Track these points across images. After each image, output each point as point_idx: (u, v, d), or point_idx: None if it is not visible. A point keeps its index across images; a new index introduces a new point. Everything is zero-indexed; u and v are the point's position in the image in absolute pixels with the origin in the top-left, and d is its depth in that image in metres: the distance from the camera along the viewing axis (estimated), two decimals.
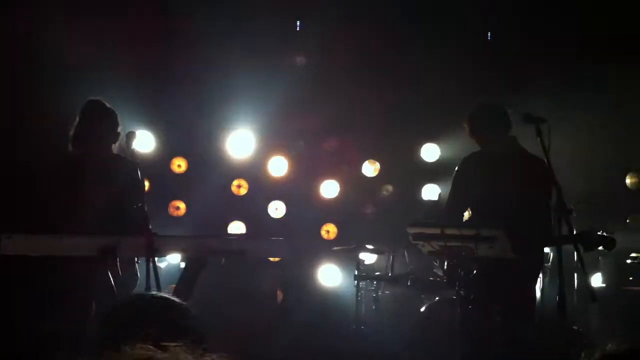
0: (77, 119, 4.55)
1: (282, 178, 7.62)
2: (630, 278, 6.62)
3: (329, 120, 7.68)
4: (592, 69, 7.41)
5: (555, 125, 4.12)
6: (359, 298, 6.14)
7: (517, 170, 4.52)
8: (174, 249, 4.84)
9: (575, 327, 5.24)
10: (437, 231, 4.16)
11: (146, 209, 4.23)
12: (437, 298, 5.97)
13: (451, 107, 7.65)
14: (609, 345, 1.55)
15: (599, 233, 4.00)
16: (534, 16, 7.34)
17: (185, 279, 4.82)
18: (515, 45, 7.48)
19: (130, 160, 4.36)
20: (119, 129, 4.54)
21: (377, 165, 7.80)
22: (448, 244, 4.14)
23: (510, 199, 4.43)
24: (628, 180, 7.73)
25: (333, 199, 7.71)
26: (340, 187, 7.70)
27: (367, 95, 7.72)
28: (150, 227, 4.24)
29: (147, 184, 6.95)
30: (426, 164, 7.85)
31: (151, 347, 1.39)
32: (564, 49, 7.31)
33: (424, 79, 7.72)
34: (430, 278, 6.16)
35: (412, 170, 7.81)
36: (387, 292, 6.26)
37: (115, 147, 4.62)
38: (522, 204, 4.40)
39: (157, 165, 7.20)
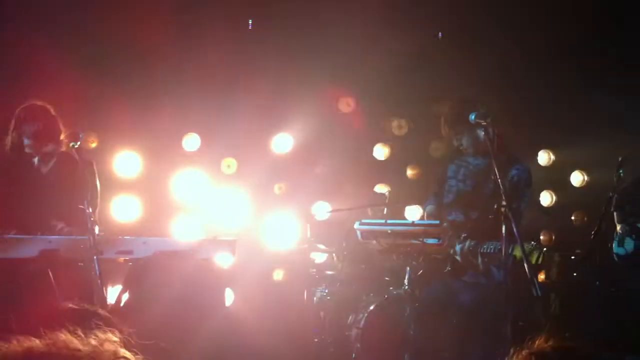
0: (17, 118, 4.44)
1: (232, 177, 7.54)
2: (575, 274, 6.73)
3: (280, 118, 7.66)
4: (538, 68, 7.55)
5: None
6: (310, 299, 6.12)
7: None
8: (120, 251, 4.78)
9: (520, 323, 5.31)
10: (385, 229, 4.17)
11: (90, 209, 4.15)
12: (386, 296, 6.01)
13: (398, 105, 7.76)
14: (537, 341, 1.57)
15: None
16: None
17: (132, 280, 4.75)
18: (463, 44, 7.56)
19: (77, 158, 4.26)
20: (68, 129, 4.43)
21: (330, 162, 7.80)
22: (396, 241, 4.16)
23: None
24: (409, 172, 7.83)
25: (285, 197, 7.67)
26: (291, 186, 7.67)
27: (322, 95, 7.73)
28: (95, 227, 4.16)
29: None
30: (379, 162, 7.90)
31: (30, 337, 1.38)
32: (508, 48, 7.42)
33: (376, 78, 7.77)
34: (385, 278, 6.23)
35: (366, 168, 7.84)
36: (339, 292, 6.24)
37: (63, 146, 4.52)
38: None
39: (101, 163, 7.03)
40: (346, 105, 7.84)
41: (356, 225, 4.28)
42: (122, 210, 7.14)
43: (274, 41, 7.42)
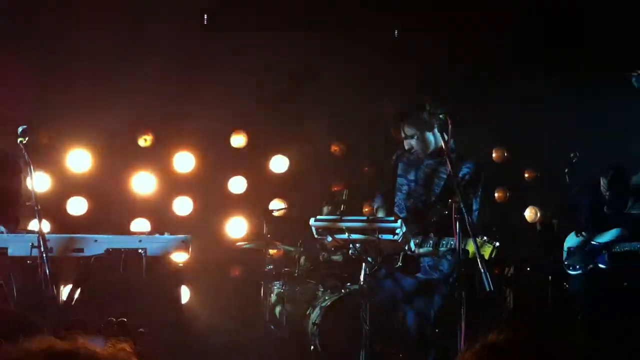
0: None
1: (188, 174, 7.45)
2: (528, 269, 6.85)
3: (238, 116, 7.61)
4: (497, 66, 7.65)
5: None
6: (267, 295, 6.10)
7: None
8: (69, 249, 4.67)
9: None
10: (340, 225, 4.16)
11: (39, 207, 4.05)
12: (343, 291, 6.02)
13: (363, 105, 7.78)
14: (490, 335, 1.59)
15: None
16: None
17: (83, 279, 4.65)
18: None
19: (14, 157, 4.15)
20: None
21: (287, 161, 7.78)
22: (351, 237, 4.16)
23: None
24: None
25: (241, 194, 7.62)
26: (248, 182, 7.63)
27: (278, 91, 7.71)
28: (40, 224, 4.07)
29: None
30: (337, 158, 7.91)
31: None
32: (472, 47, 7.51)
33: (331, 74, 7.78)
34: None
35: (323, 166, 7.84)
36: (296, 288, 6.24)
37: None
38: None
39: (54, 161, 6.90)
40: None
41: (311, 222, 4.26)
42: (74, 207, 7.01)
43: (230, 36, 7.37)
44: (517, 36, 7.33)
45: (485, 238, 3.94)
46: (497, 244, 3.96)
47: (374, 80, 7.74)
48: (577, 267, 5.71)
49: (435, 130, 4.38)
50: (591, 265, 5.65)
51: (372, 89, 7.77)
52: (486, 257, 3.86)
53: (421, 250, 4.30)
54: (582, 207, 5.90)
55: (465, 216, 3.85)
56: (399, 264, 4.27)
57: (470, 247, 3.86)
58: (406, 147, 4.60)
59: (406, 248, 4.23)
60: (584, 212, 5.84)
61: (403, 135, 4.57)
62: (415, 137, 4.53)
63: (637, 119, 4.21)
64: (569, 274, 5.81)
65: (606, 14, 6.84)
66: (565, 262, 5.84)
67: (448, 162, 4.08)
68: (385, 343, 5.45)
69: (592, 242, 5.69)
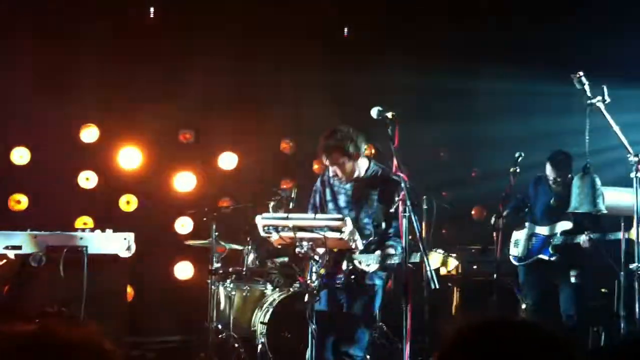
0: None
1: (134, 171, 7.32)
2: (475, 267, 6.93)
3: (185, 112, 7.52)
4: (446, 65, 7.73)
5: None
6: (214, 294, 6.02)
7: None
8: (9, 246, 4.53)
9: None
10: (287, 222, 4.13)
11: None
12: (290, 290, 5.99)
13: (309, 101, 7.77)
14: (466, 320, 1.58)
15: None
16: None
17: (20, 278, 4.51)
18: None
19: None
20: None
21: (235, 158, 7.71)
22: (297, 235, 4.13)
23: None
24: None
25: (189, 192, 7.52)
26: (196, 179, 7.53)
27: (228, 88, 7.64)
28: None
29: None
30: (287, 156, 7.88)
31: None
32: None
33: (283, 72, 7.76)
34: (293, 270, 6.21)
35: (272, 163, 7.79)
36: (244, 287, 6.18)
37: None
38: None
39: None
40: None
41: (258, 220, 4.21)
42: (15, 203, 6.83)
43: (180, 35, 7.29)
44: (463, 38, 7.43)
45: (444, 252, 4.06)
46: (447, 254, 4.10)
47: (326, 80, 7.76)
48: (523, 258, 5.91)
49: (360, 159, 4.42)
50: (536, 257, 5.84)
51: (323, 89, 7.80)
52: (448, 269, 3.97)
53: (368, 268, 4.33)
54: (531, 201, 6.04)
55: (416, 227, 3.89)
56: (349, 267, 4.28)
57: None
58: (332, 174, 4.60)
59: (351, 245, 4.22)
60: (532, 206, 6.00)
61: (331, 162, 4.53)
62: (344, 165, 4.51)
63: (580, 119, 4.28)
64: (516, 266, 6.02)
65: (551, 17, 6.97)
66: (512, 254, 6.01)
67: (395, 165, 4.10)
68: (332, 342, 5.45)
69: (538, 234, 5.87)
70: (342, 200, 4.62)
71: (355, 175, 4.57)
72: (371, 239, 4.48)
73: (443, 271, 4.85)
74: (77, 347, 1.41)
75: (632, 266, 4.27)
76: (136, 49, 7.13)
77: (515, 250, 6.07)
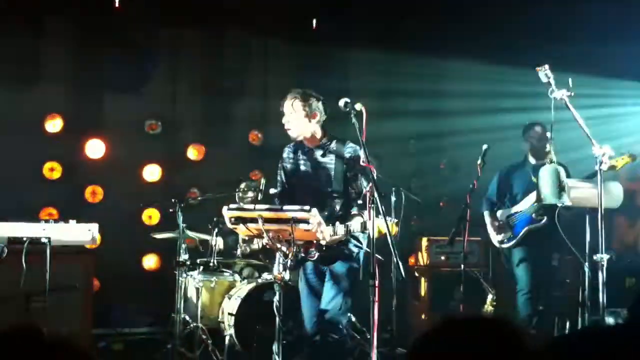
0: None
1: (99, 161, 7.21)
2: (442, 258, 6.98)
3: (152, 102, 7.44)
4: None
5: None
6: (182, 286, 5.96)
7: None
8: None
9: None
10: (254, 213, 4.10)
11: None
12: (258, 281, 5.98)
13: (277, 92, 7.72)
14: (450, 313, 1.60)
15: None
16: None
17: None
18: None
19: None
20: None
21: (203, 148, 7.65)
22: (265, 226, 4.10)
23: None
24: None
25: (156, 183, 7.44)
26: (163, 170, 7.46)
27: (195, 78, 7.58)
28: None
29: None
30: (255, 147, 7.84)
31: None
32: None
33: (251, 63, 7.72)
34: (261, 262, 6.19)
35: (240, 154, 7.75)
36: (212, 278, 6.14)
37: None
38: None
39: None
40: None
41: (225, 211, 4.18)
42: None
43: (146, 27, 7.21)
44: (429, 26, 7.45)
45: (389, 218, 4.06)
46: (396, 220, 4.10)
47: (293, 72, 7.74)
48: (512, 237, 5.88)
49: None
50: (523, 230, 5.80)
51: (292, 80, 7.76)
52: (393, 232, 3.98)
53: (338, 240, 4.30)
54: (504, 194, 6.05)
55: (377, 200, 3.90)
56: (316, 254, 4.24)
57: (379, 228, 3.96)
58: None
59: (320, 237, 4.20)
60: (509, 196, 5.99)
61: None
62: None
63: (545, 111, 4.34)
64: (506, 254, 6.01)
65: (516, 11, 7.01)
66: (498, 240, 5.99)
67: (363, 152, 4.10)
68: (300, 333, 5.45)
69: (515, 213, 5.89)
70: (301, 172, 4.62)
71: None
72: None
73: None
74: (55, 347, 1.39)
75: (596, 257, 4.33)
76: (102, 39, 7.03)
77: (499, 236, 5.99)
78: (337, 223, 4.23)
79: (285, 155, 4.72)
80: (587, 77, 6.15)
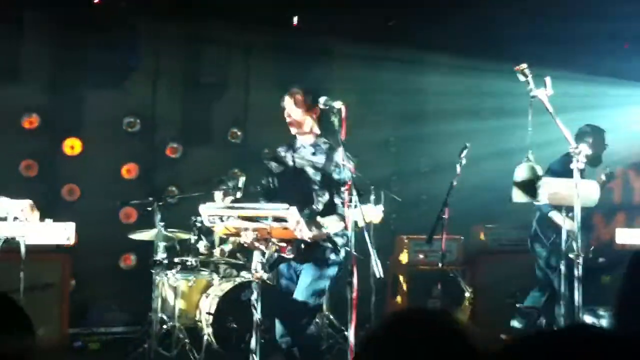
0: None
1: (76, 159, 7.14)
2: (421, 256, 7.00)
3: (130, 99, 7.38)
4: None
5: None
6: (159, 285, 5.93)
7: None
8: None
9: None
10: (232, 212, 4.08)
11: None
12: (237, 280, 5.95)
13: (258, 90, 7.70)
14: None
15: None
16: None
17: None
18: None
19: None
20: None
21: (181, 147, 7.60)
22: (242, 225, 4.08)
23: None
24: None
25: (134, 181, 7.38)
26: (141, 168, 7.40)
27: (174, 75, 7.52)
28: None
29: None
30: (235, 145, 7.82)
31: None
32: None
33: (231, 60, 7.69)
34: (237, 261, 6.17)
35: (220, 152, 7.71)
36: (189, 277, 6.10)
37: None
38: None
39: None
40: None
41: (202, 209, 4.14)
42: None
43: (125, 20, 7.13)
44: (412, 24, 7.46)
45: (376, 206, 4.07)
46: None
47: (275, 70, 7.73)
48: None
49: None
50: None
51: (273, 78, 7.76)
52: (378, 220, 4.00)
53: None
54: None
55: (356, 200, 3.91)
56: (292, 254, 4.23)
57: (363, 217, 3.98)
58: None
59: (300, 237, 4.19)
60: None
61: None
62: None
63: (523, 110, 4.36)
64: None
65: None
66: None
67: (341, 152, 4.09)
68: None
69: None
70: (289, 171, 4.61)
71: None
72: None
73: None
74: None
75: (572, 255, 4.37)
76: (80, 34, 6.95)
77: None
78: (318, 217, 4.25)
79: (276, 154, 4.71)
80: (566, 76, 6.19)
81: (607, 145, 5.74)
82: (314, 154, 4.55)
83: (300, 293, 4.42)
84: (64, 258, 5.85)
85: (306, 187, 4.51)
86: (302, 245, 4.24)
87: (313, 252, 4.37)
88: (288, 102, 4.53)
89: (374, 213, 5.83)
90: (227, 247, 6.19)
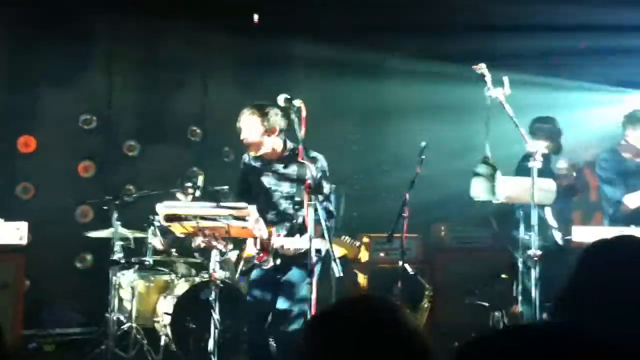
0: None
1: (31, 157, 6.98)
2: (382, 254, 7.02)
3: (88, 97, 7.25)
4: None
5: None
6: (116, 285, 5.83)
7: None
8: None
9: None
10: (189, 211, 4.02)
11: None
12: (196, 279, 5.89)
13: (217, 88, 7.62)
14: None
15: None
16: None
17: None
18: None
19: None
20: None
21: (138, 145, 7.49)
22: (200, 224, 4.02)
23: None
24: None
25: (90, 179, 7.24)
26: (97, 166, 7.27)
27: (133, 72, 7.41)
28: None
29: None
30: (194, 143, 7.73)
31: None
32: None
33: (190, 58, 7.61)
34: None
35: (179, 151, 7.61)
36: (148, 277, 6.01)
37: None
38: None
39: None
40: None
41: (159, 208, 4.08)
42: None
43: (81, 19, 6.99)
44: (372, 22, 7.46)
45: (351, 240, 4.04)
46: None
47: (234, 67, 7.67)
48: None
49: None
50: None
51: (232, 76, 7.70)
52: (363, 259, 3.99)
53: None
54: None
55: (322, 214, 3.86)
56: (269, 263, 4.20)
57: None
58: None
59: (258, 236, 4.15)
60: None
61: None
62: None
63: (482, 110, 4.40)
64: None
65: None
66: None
67: (302, 155, 4.05)
68: (236, 331, 5.40)
69: None
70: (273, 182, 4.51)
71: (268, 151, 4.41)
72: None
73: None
74: None
75: (529, 252, 4.42)
76: (35, 30, 6.80)
77: None
78: (298, 235, 4.19)
79: (246, 161, 4.58)
80: (522, 78, 6.26)
81: (561, 130, 5.74)
82: (285, 167, 4.45)
83: (283, 302, 4.35)
84: (18, 258, 5.71)
85: (281, 200, 4.42)
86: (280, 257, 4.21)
87: (291, 261, 4.31)
88: (244, 123, 4.36)
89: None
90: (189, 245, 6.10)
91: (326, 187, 4.38)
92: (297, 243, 4.18)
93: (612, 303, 1.70)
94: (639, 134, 5.47)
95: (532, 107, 6.19)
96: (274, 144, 4.41)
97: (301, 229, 4.27)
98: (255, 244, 4.24)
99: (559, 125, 5.80)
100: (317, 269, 4.21)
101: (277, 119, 4.35)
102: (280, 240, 4.22)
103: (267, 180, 4.47)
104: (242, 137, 4.40)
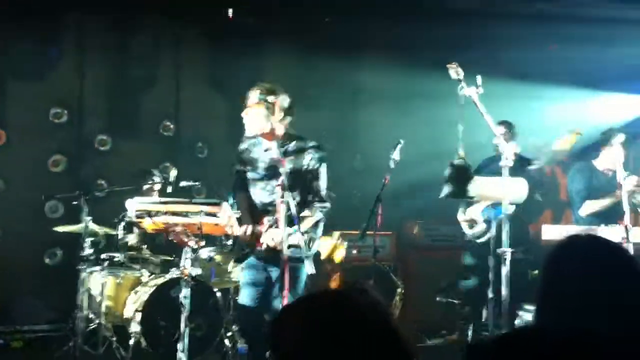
0: None
1: (0, 150, 6.86)
2: (354, 252, 7.02)
3: (58, 90, 7.14)
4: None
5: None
6: (85, 282, 5.75)
7: None
8: None
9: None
10: (160, 206, 3.98)
11: None
12: (167, 276, 5.83)
13: (190, 83, 7.56)
14: None
15: None
16: None
17: None
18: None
19: None
20: None
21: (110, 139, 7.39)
22: (171, 221, 3.99)
23: None
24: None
25: (61, 174, 7.14)
26: (69, 161, 7.17)
27: (105, 66, 7.32)
28: None
29: None
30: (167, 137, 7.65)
31: None
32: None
33: (163, 52, 7.52)
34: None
35: (151, 145, 7.54)
36: (118, 274, 5.94)
37: None
38: None
39: None
40: None
41: (129, 203, 4.03)
42: None
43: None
44: (346, 21, 7.47)
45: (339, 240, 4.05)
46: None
47: (208, 62, 7.61)
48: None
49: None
50: None
51: (205, 71, 7.65)
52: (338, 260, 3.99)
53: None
54: None
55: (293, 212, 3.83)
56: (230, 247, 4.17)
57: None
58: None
59: (230, 232, 4.13)
60: None
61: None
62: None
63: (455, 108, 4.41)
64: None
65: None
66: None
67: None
68: (207, 330, 5.37)
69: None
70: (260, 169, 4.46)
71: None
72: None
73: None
74: None
75: (499, 250, 4.44)
76: (4, 24, 6.68)
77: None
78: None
79: (244, 146, 4.48)
80: (494, 77, 6.31)
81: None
82: (284, 153, 4.32)
83: (275, 294, 4.30)
84: None
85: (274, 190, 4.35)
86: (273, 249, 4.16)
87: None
88: (251, 100, 4.25)
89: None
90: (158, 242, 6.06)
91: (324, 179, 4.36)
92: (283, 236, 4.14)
93: (572, 301, 1.75)
94: (611, 152, 5.63)
95: (503, 107, 6.27)
96: (274, 127, 4.29)
97: (291, 222, 4.24)
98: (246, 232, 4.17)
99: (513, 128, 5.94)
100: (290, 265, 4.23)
101: (283, 102, 4.30)
102: (271, 231, 4.16)
103: (263, 166, 4.39)
104: (242, 114, 4.31)
